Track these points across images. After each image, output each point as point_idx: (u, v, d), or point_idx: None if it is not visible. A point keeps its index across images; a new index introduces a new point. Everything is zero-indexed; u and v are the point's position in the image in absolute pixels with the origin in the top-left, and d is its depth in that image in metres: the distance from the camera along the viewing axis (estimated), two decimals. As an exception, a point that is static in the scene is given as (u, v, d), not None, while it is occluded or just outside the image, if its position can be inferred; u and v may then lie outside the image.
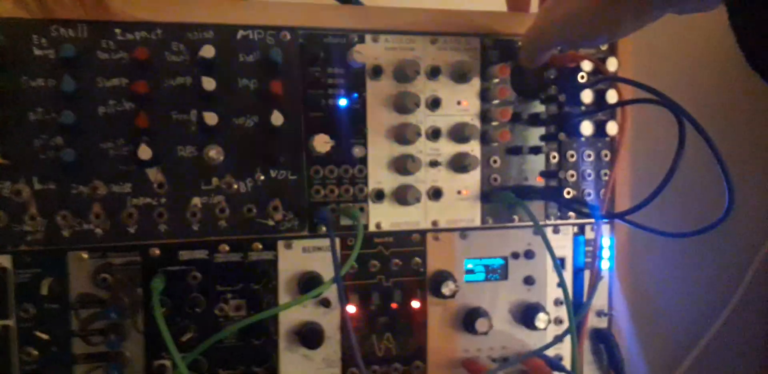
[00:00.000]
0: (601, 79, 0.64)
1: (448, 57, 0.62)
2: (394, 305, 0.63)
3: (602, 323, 0.69)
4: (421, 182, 0.62)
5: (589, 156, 0.67)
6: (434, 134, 0.62)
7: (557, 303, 0.68)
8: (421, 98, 0.60)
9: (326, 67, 0.59)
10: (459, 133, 0.62)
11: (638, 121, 0.68)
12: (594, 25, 0.52)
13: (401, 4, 0.61)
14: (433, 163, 0.62)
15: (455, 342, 0.65)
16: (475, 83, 0.63)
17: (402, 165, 0.60)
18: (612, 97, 0.64)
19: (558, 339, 0.66)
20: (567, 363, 0.67)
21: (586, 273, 0.68)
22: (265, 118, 0.56)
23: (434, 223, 0.63)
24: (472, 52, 0.62)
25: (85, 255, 0.55)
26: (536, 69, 0.62)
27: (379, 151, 0.61)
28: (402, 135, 0.60)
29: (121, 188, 0.54)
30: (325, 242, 0.60)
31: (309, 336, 0.59)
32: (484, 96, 0.63)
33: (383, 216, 0.62)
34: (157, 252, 0.56)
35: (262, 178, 0.58)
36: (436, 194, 0.62)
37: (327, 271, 0.60)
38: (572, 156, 0.66)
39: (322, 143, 0.58)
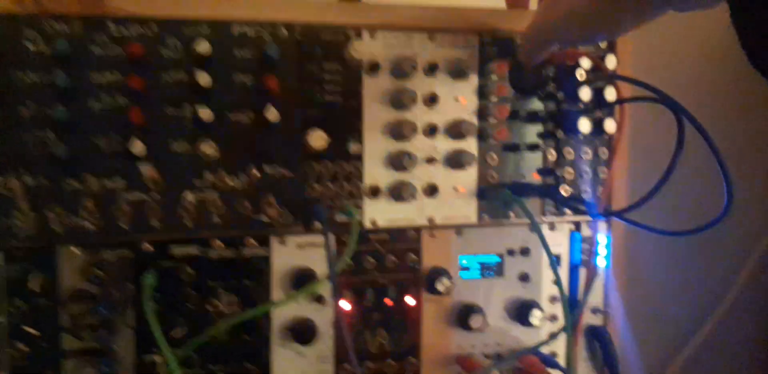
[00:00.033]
0: (599, 77, 0.64)
1: (446, 53, 0.61)
2: (388, 301, 0.63)
3: (597, 320, 0.69)
4: (417, 179, 0.62)
5: (587, 153, 0.66)
6: (431, 130, 0.61)
7: (552, 300, 0.68)
8: (418, 94, 0.60)
9: (322, 62, 0.58)
10: (456, 130, 0.61)
11: (636, 118, 0.68)
12: (593, 23, 0.52)
13: (399, 1, 0.60)
14: (430, 160, 0.62)
15: (449, 338, 0.65)
16: (473, 80, 0.62)
17: (398, 161, 0.60)
18: (610, 94, 0.64)
19: (553, 336, 0.66)
20: (561, 360, 0.67)
21: (582, 271, 0.68)
22: (260, 113, 0.56)
23: (430, 220, 0.63)
24: (470, 48, 0.62)
25: (77, 251, 0.54)
26: (534, 66, 0.61)
27: (375, 147, 0.60)
28: (398, 131, 0.60)
29: (114, 183, 0.54)
30: (320, 238, 0.60)
31: (302, 332, 0.59)
32: (482, 93, 0.63)
33: (379, 213, 0.61)
34: (149, 247, 0.56)
35: (257, 173, 0.57)
36: (432, 191, 0.62)
37: (321, 268, 0.60)
38: (570, 153, 0.66)
39: (317, 139, 0.57)
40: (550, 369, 0.64)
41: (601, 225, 0.67)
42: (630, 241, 0.69)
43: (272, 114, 0.55)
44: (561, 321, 0.68)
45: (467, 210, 0.64)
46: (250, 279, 0.59)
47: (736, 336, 0.92)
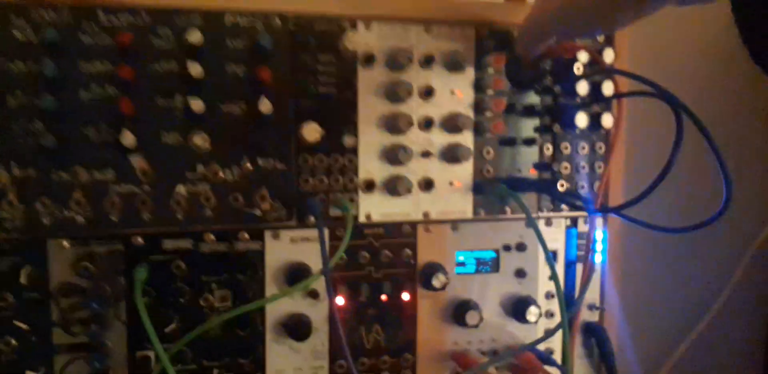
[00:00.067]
0: (597, 70, 0.63)
1: (442, 46, 0.60)
2: (383, 297, 0.62)
3: (593, 317, 0.69)
4: (413, 173, 0.61)
5: (584, 148, 0.66)
6: (427, 124, 0.61)
7: (548, 296, 0.67)
8: (413, 87, 0.59)
9: (317, 53, 0.57)
10: (452, 124, 0.61)
11: (634, 113, 0.67)
12: (592, 16, 0.51)
13: (394, -9, 0.60)
14: (425, 154, 0.61)
15: (445, 334, 0.64)
16: (470, 73, 0.62)
17: (393, 155, 0.59)
18: (608, 88, 0.64)
19: (550, 333, 0.65)
20: (558, 356, 0.67)
21: (578, 267, 0.67)
22: (253, 105, 0.55)
23: (425, 215, 0.62)
24: (466, 41, 0.61)
25: (66, 244, 0.53)
26: (532, 59, 0.61)
27: (369, 140, 0.60)
28: (394, 124, 0.59)
29: (104, 175, 0.53)
30: (314, 233, 0.59)
31: (296, 328, 0.59)
32: (478, 86, 0.62)
33: (373, 207, 0.61)
34: (141, 241, 0.55)
35: (250, 166, 0.56)
36: (427, 185, 0.62)
37: (315, 262, 0.59)
38: (566, 148, 0.65)
39: (311, 131, 0.57)
40: (546, 366, 0.64)
41: (598, 221, 0.67)
42: (626, 237, 0.69)
43: (265, 106, 0.55)
44: (557, 318, 0.67)
45: (463, 205, 0.63)
46: (244, 274, 0.58)
47: (732, 332, 0.92)
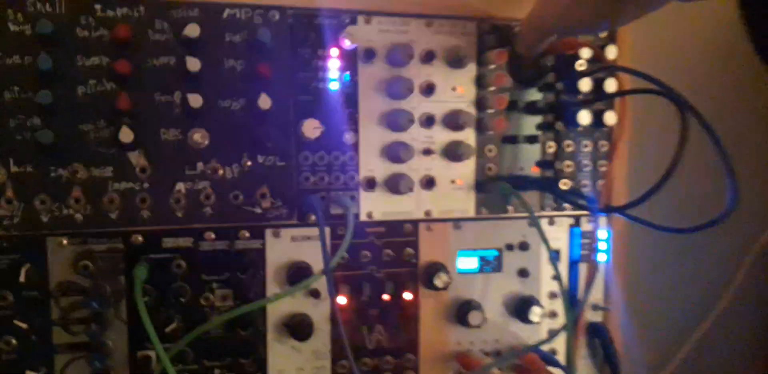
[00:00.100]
0: (600, 67, 0.63)
1: (443, 41, 0.60)
2: (385, 296, 0.61)
3: (597, 317, 0.68)
4: (414, 171, 0.60)
5: (586, 146, 0.65)
6: (428, 121, 0.60)
7: (552, 296, 0.66)
8: (414, 83, 0.58)
9: (316, 48, 0.57)
10: (453, 121, 0.60)
11: (637, 110, 0.67)
12: (596, 13, 0.51)
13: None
14: (427, 151, 0.61)
15: (448, 335, 0.64)
16: (471, 69, 0.61)
17: (394, 152, 0.59)
18: (611, 86, 0.63)
19: (554, 334, 0.64)
20: (561, 356, 0.66)
21: (582, 266, 0.67)
22: (252, 101, 0.55)
23: (427, 213, 0.61)
24: (468, 36, 0.61)
25: (65, 241, 0.53)
26: (534, 56, 0.60)
27: (370, 137, 0.59)
28: (394, 121, 0.58)
29: (102, 172, 0.53)
30: (315, 231, 0.58)
31: (298, 328, 0.58)
32: (480, 82, 0.62)
33: (375, 206, 0.60)
34: (140, 239, 0.55)
35: (249, 163, 0.56)
36: (429, 183, 0.61)
37: (316, 261, 0.59)
38: (569, 146, 0.65)
39: (311, 128, 0.56)
40: (549, 367, 0.63)
41: (602, 220, 0.66)
42: (630, 236, 0.68)
43: (265, 101, 0.54)
44: (560, 318, 0.66)
45: (465, 204, 0.63)
46: (244, 273, 0.57)
47: (736, 332, 0.91)
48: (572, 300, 0.66)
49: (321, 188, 0.58)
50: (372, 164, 0.59)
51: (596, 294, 0.68)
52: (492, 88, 0.62)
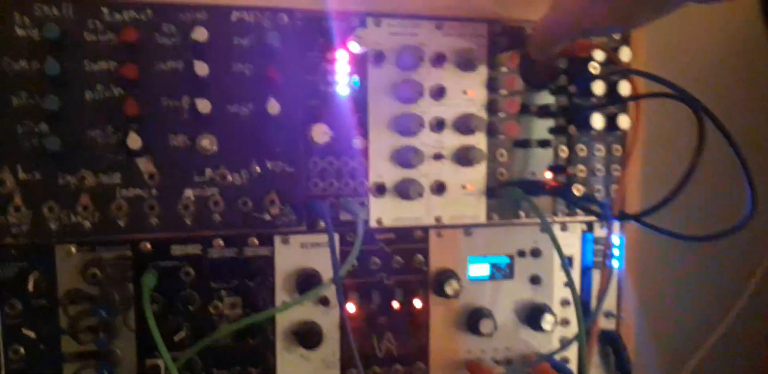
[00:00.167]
0: (614, 70, 0.62)
1: (453, 43, 0.59)
2: (395, 304, 0.61)
3: (610, 324, 0.67)
4: (424, 176, 0.60)
5: (600, 150, 0.64)
6: (438, 125, 0.60)
7: (564, 303, 0.65)
8: (424, 87, 0.58)
9: (325, 51, 0.56)
10: (464, 125, 0.59)
11: (651, 114, 0.66)
12: (612, 15, 0.50)
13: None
14: (437, 156, 0.60)
15: (458, 343, 0.63)
16: (482, 72, 0.61)
17: (404, 157, 0.58)
18: (625, 89, 0.62)
19: (567, 343, 0.63)
20: (573, 365, 0.65)
21: (595, 273, 0.66)
22: (260, 105, 0.54)
23: (437, 219, 0.61)
24: (479, 38, 0.60)
25: (74, 249, 0.53)
26: (546, 59, 0.59)
27: (380, 142, 0.59)
28: (404, 125, 0.58)
29: (110, 178, 0.52)
30: (324, 238, 0.58)
31: (307, 336, 0.58)
32: (491, 85, 0.61)
33: (384, 212, 0.59)
34: (149, 246, 0.54)
35: (258, 169, 0.55)
36: (439, 189, 0.60)
37: (326, 268, 0.58)
38: (582, 150, 0.64)
39: (320, 133, 0.55)
40: (561, 376, 0.62)
41: (615, 226, 0.65)
42: (643, 243, 0.67)
43: (273, 106, 0.53)
44: (573, 326, 0.66)
45: (476, 209, 0.62)
46: (253, 280, 0.57)
47: (750, 340, 0.90)
48: (585, 308, 0.64)
49: (330, 194, 0.57)
50: (381, 169, 0.59)
51: (609, 302, 0.67)
52: (503, 92, 0.61)
